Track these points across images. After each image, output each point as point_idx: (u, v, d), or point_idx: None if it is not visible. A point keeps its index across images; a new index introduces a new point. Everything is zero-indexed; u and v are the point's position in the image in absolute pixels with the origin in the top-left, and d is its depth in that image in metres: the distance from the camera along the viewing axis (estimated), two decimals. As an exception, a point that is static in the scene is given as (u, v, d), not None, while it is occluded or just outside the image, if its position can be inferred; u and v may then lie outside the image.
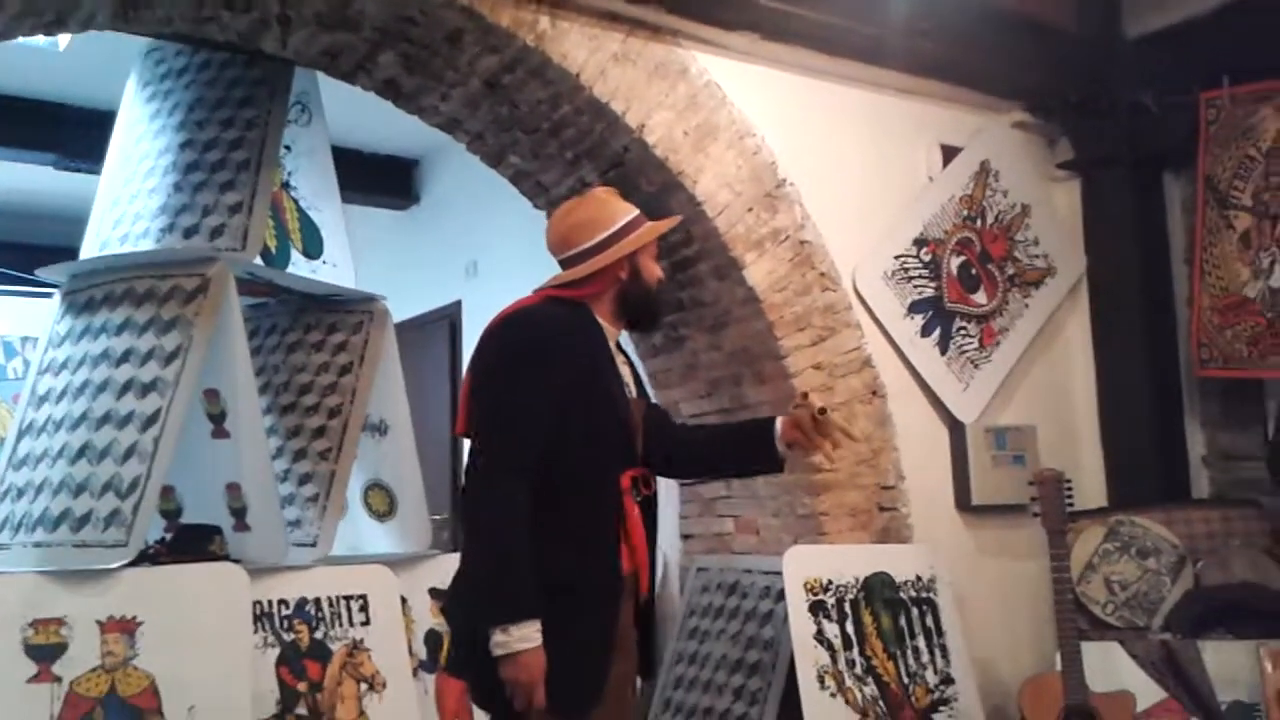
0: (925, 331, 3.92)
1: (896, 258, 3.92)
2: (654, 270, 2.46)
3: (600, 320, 2.37)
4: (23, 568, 2.58)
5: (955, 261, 4.05)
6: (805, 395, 2.48)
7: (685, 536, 4.11)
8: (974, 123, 4.23)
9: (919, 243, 3.98)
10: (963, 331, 4.00)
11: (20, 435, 2.91)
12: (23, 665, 2.37)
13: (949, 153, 4.14)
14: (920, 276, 3.96)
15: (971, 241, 4.10)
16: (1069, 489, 3.36)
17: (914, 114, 4.10)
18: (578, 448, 2.22)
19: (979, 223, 4.14)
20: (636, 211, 2.45)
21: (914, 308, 3.92)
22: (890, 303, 3.87)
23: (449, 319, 5.96)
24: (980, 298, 4.07)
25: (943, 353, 3.94)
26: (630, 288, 2.40)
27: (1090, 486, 4.10)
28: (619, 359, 2.41)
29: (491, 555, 2.14)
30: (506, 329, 2.31)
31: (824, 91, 3.89)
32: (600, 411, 2.26)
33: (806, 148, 3.79)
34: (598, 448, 2.25)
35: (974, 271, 4.08)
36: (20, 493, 2.79)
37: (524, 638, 2.08)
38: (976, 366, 4.00)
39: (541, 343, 2.26)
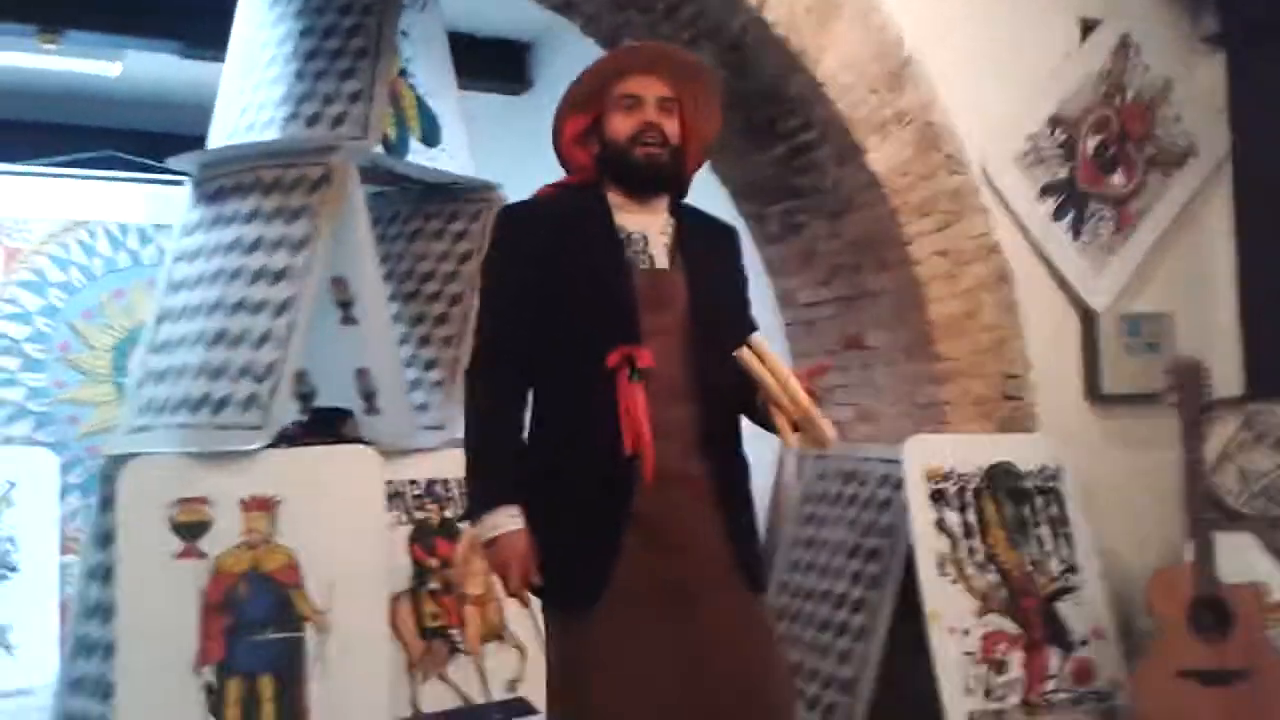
0: (1058, 215, 3.77)
1: (1029, 138, 3.75)
2: (618, 127, 2.18)
3: (611, 196, 2.19)
4: (165, 448, 2.70)
5: (1091, 142, 3.86)
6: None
7: (802, 424, 4.09)
8: (1114, -8, 3.99)
9: (1053, 122, 3.80)
10: (1097, 215, 3.84)
11: (159, 320, 3.02)
12: (170, 541, 2.49)
13: (1087, 27, 3.92)
14: (1054, 158, 3.79)
15: (1109, 120, 3.90)
16: (1206, 377, 3.25)
17: (1049, -15, 3.89)
18: (556, 329, 2.11)
19: (1118, 100, 3.92)
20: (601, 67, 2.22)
21: (1046, 190, 3.76)
22: (1021, 186, 3.73)
23: (564, 206, 5.95)
24: (1117, 179, 3.89)
25: (1076, 237, 3.79)
26: (605, 155, 2.20)
27: (1226, 376, 3.92)
28: (654, 232, 2.19)
29: (466, 449, 2.13)
30: (492, 225, 2.28)
31: (954, -38, 3.71)
32: (576, 291, 2.11)
33: (934, 23, 3.63)
34: (576, 327, 2.10)
35: (1111, 152, 3.89)
36: (161, 376, 2.90)
37: (495, 524, 2.04)
38: (1111, 251, 3.83)
39: (505, 234, 2.21)
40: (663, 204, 2.22)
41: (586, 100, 2.22)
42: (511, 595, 2.08)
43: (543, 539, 2.06)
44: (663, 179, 2.20)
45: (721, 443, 2.12)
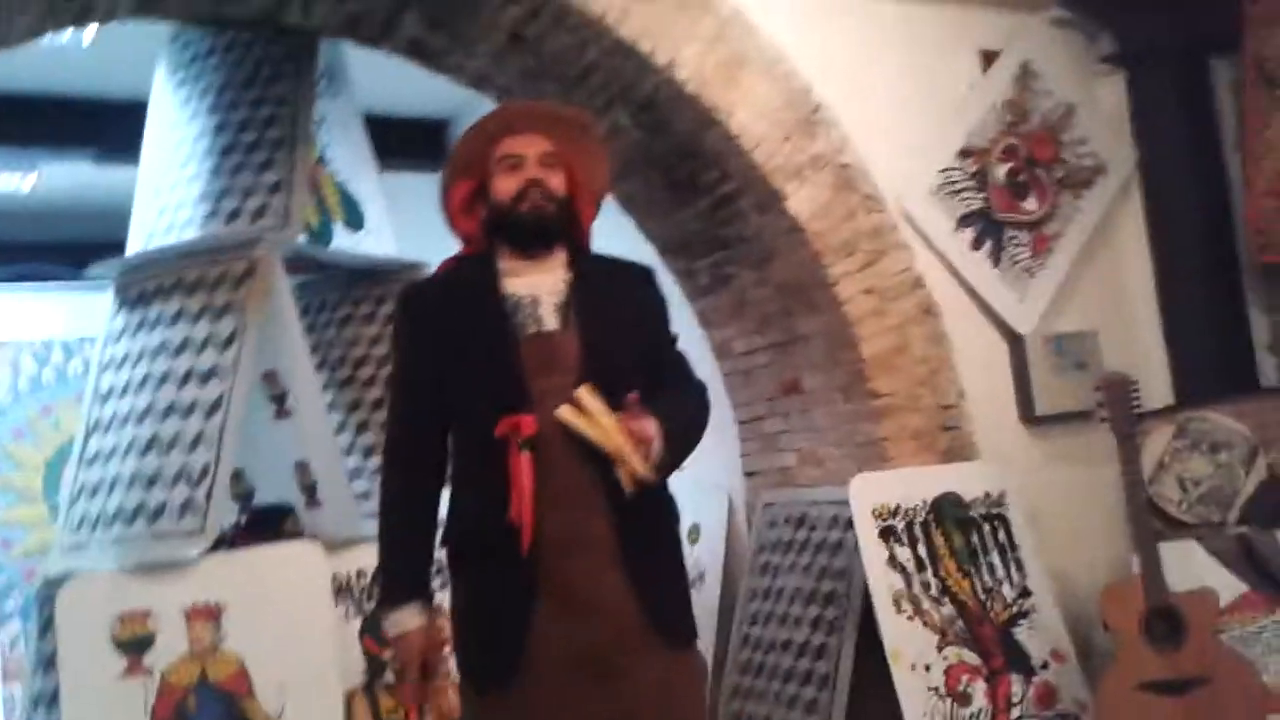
0: (976, 245, 3.85)
1: (941, 172, 3.84)
2: (502, 188, 2.14)
3: (502, 262, 2.16)
4: (103, 564, 2.65)
5: (1002, 170, 3.95)
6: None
7: (749, 474, 4.11)
8: (1012, 24, 4.08)
9: (963, 154, 3.89)
10: (1014, 241, 3.91)
11: (89, 433, 2.97)
12: (113, 661, 2.43)
13: (988, 58, 4.02)
14: (967, 189, 3.87)
15: (1017, 148, 3.99)
16: (1136, 391, 3.30)
17: (950, 20, 3.97)
18: (455, 404, 2.10)
19: (1023, 127, 4.02)
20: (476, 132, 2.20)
21: (963, 221, 3.84)
22: (938, 219, 3.80)
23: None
24: (1030, 204, 3.97)
25: (995, 264, 3.86)
26: (491, 219, 2.17)
27: (1156, 386, 4.01)
28: (544, 293, 2.13)
29: (378, 541, 2.13)
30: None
31: (854, 7, 3.79)
32: (466, 363, 2.10)
33: (840, 68, 3.71)
34: (470, 400, 2.08)
35: (1022, 178, 3.98)
36: (94, 490, 2.85)
37: (396, 622, 2.05)
38: (1031, 275, 3.91)
39: (402, 315, 2.20)
40: (557, 260, 2.18)
41: (469, 166, 2.20)
42: (412, 695, 2.08)
43: (459, 617, 2.05)
44: (551, 232, 2.16)
45: (627, 501, 2.04)
